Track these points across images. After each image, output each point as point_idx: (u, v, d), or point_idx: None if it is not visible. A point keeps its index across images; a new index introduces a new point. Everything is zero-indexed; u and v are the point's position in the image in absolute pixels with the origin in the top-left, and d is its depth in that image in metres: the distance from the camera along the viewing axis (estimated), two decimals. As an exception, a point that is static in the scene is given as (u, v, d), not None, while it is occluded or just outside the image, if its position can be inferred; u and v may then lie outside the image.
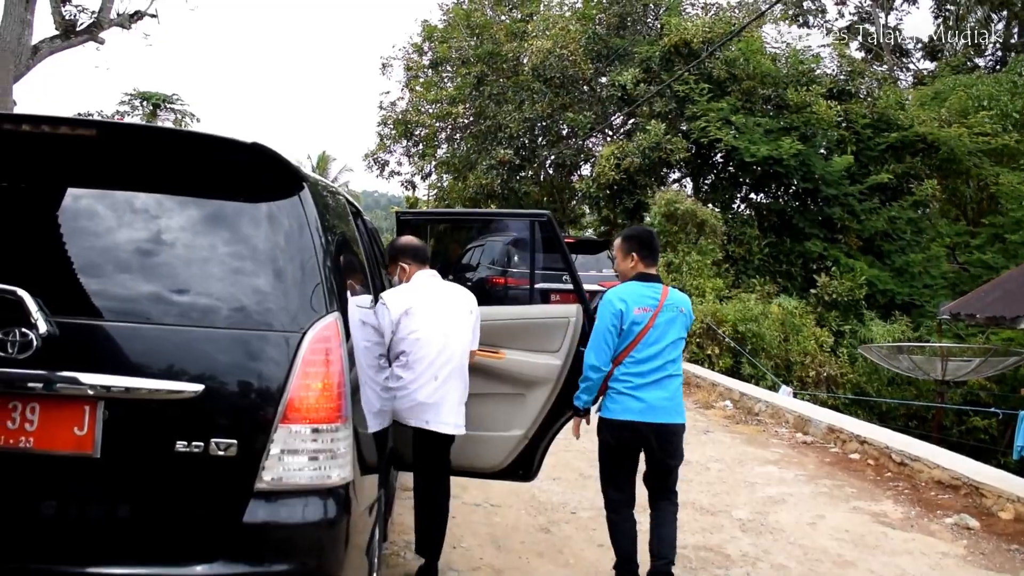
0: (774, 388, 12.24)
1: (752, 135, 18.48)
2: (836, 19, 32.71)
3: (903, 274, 18.86)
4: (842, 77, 21.45)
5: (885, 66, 27.97)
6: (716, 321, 14.24)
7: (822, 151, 19.91)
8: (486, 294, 10.91)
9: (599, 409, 4.15)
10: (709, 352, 13.99)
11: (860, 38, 31.29)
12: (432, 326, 3.87)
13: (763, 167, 18.74)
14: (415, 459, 4.10)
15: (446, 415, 3.91)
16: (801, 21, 31.50)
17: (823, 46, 24.74)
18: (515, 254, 11.99)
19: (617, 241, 4.33)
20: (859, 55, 27.92)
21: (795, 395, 11.91)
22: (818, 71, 21.13)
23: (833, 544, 5.40)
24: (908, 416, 15.77)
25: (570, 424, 4.36)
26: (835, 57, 22.70)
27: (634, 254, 4.19)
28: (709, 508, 6.06)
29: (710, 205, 18.78)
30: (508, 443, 4.36)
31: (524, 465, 4.45)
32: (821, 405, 11.17)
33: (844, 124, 20.10)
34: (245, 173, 2.55)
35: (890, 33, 31.91)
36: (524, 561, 4.84)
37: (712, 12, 21.81)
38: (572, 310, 4.37)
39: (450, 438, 4.05)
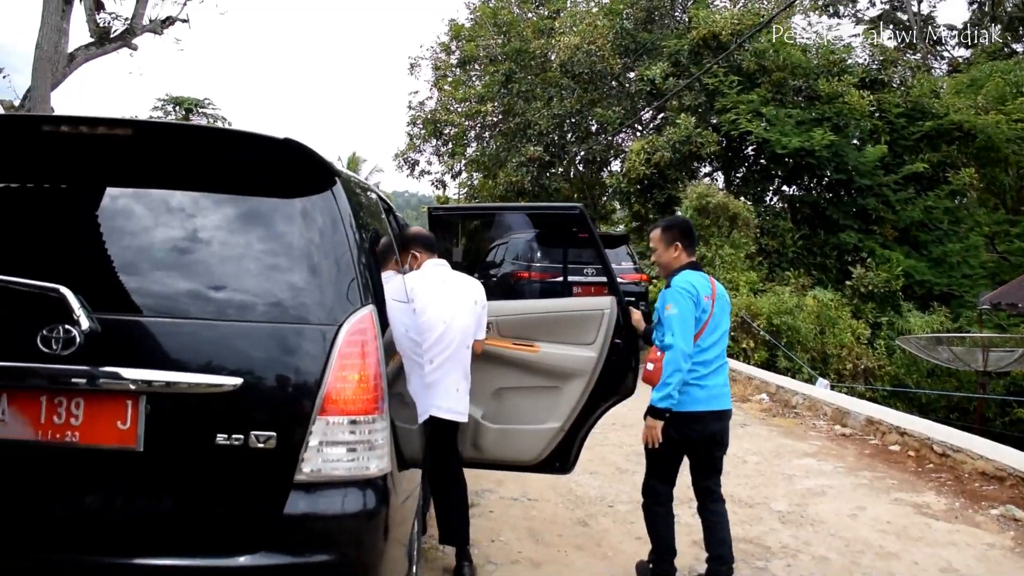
0: (810, 381, 12.11)
1: (783, 127, 18.32)
2: (867, 8, 32.36)
3: (941, 264, 18.60)
4: (874, 66, 21.21)
5: (918, 55, 27.56)
6: (751, 314, 14.11)
7: (855, 141, 19.69)
8: (512, 289, 11.06)
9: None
10: (744, 346, 13.88)
11: (892, 27, 30.87)
12: (431, 312, 3.90)
13: (795, 159, 18.57)
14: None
15: (440, 399, 3.90)
16: (831, 11, 31.13)
17: (854, 36, 24.49)
18: (538, 250, 12.15)
19: (656, 232, 4.26)
20: (891, 44, 27.52)
21: (832, 388, 11.77)
22: (850, 61, 20.89)
23: (875, 536, 5.32)
24: (949, 408, 15.51)
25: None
26: (867, 46, 22.44)
27: (678, 243, 4.13)
28: (747, 500, 6.02)
29: (742, 198, 18.64)
30: (545, 436, 4.35)
31: (561, 458, 4.43)
32: (859, 398, 11.03)
33: (877, 114, 19.87)
34: (278, 170, 2.58)
35: (923, 21, 31.46)
36: (562, 554, 4.83)
37: (740, 4, 21.65)
38: (606, 302, 4.33)
39: (452, 425, 4.06)
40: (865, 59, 21.66)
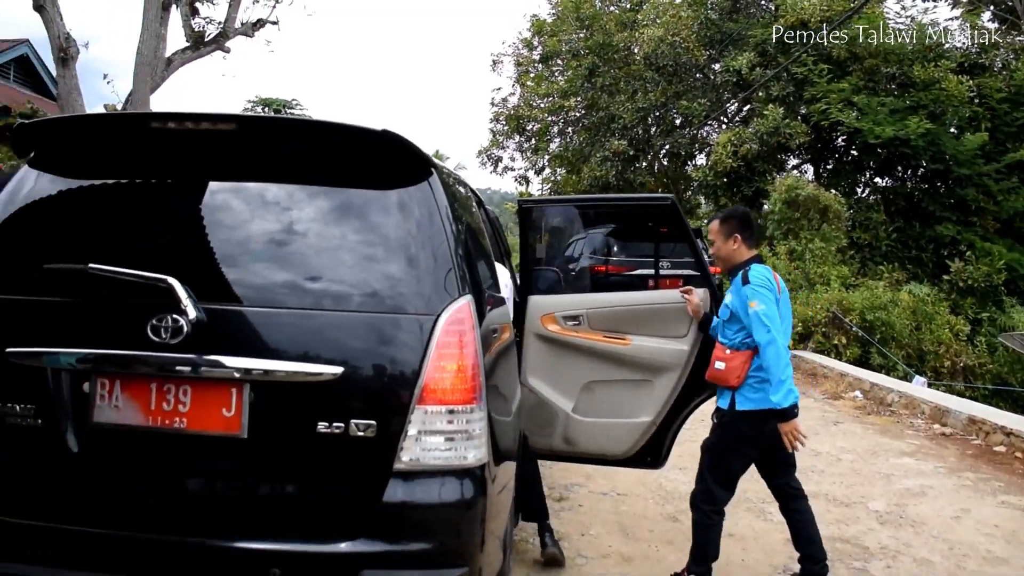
0: (906, 378, 11.78)
1: (876, 116, 17.77)
2: (966, -12, 30.95)
3: (1047, 258, 17.74)
4: (974, 50, 20.40)
5: (1023, 36, 26.25)
6: (842, 310, 13.77)
7: (953, 130, 18.98)
8: (590, 281, 11.34)
9: (731, 403, 3.92)
10: (836, 342, 13.55)
11: (993, 7, 29.48)
12: None
13: (888, 149, 18.02)
14: None
15: None
16: (927, -7, 29.98)
17: (951, 19, 23.46)
18: (614, 244, 12.25)
19: (714, 224, 4.11)
20: (992, 26, 26.30)
21: (929, 386, 11.41)
22: (947, 45, 20.11)
23: (981, 539, 5.16)
24: (1057, 409, 14.84)
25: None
26: (965, 29, 21.51)
27: (737, 235, 4.01)
28: (843, 499, 5.91)
29: (832, 190, 18.16)
30: (636, 430, 4.38)
31: (652, 452, 4.46)
32: (958, 396, 10.66)
33: (977, 100, 19.13)
34: (376, 161, 2.64)
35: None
36: (653, 549, 4.84)
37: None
38: (699, 294, 4.32)
39: None
40: (964, 43, 20.81)
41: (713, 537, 4.03)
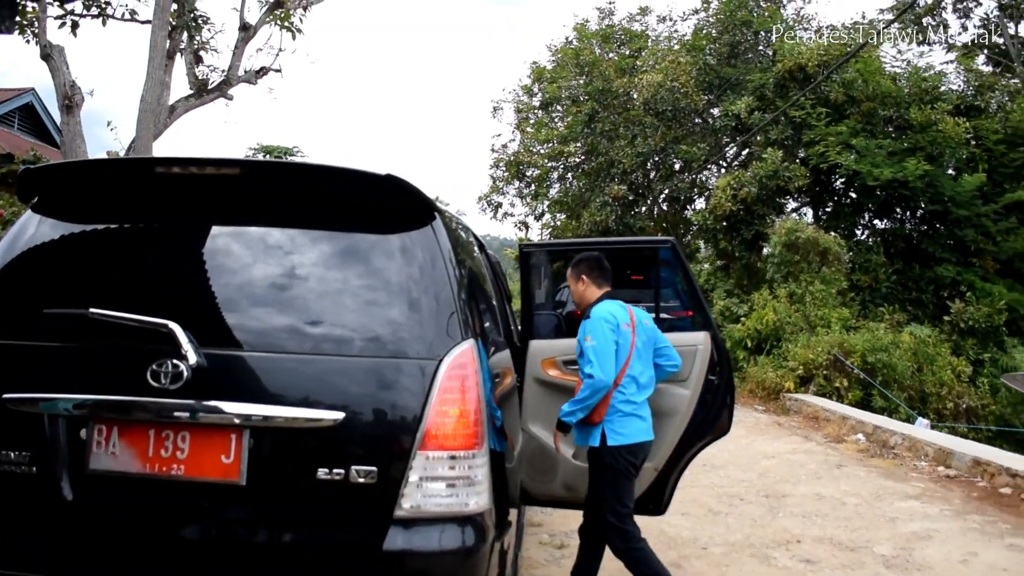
0: (909, 421, 11.72)
1: (874, 158, 17.93)
2: (959, 33, 31.34)
3: (1048, 297, 17.75)
4: (970, 92, 20.65)
5: (1017, 79, 26.57)
6: (843, 352, 13.77)
7: (951, 171, 19.15)
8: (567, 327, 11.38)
9: (601, 439, 4.03)
10: (837, 384, 13.55)
11: (987, 51, 29.92)
12: None
13: (887, 191, 18.16)
14: None
15: None
16: (921, 38, 30.37)
17: (947, 62, 23.81)
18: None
19: (568, 271, 4.36)
20: (987, 69, 26.65)
21: (932, 427, 11.36)
22: (942, 88, 20.35)
23: None
24: (1062, 450, 14.74)
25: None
26: (961, 72, 21.80)
27: (583, 276, 4.24)
28: (848, 544, 5.88)
29: (832, 233, 18.25)
30: (642, 475, 4.31)
31: (654, 498, 4.43)
32: (962, 438, 10.61)
33: (974, 141, 19.30)
34: (380, 205, 2.64)
35: (1021, 44, 30.40)
36: (655, 597, 4.79)
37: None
38: (700, 337, 4.34)
39: None
40: (960, 85, 21.06)
41: (652, 561, 4.06)
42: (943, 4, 30.41)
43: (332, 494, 2.33)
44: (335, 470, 2.32)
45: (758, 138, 20.00)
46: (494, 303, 3.86)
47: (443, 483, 2.37)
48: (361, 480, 2.32)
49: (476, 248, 3.80)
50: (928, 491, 7.55)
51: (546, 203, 25.63)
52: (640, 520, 5.48)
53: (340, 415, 2.33)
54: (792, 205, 20.72)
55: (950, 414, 13.95)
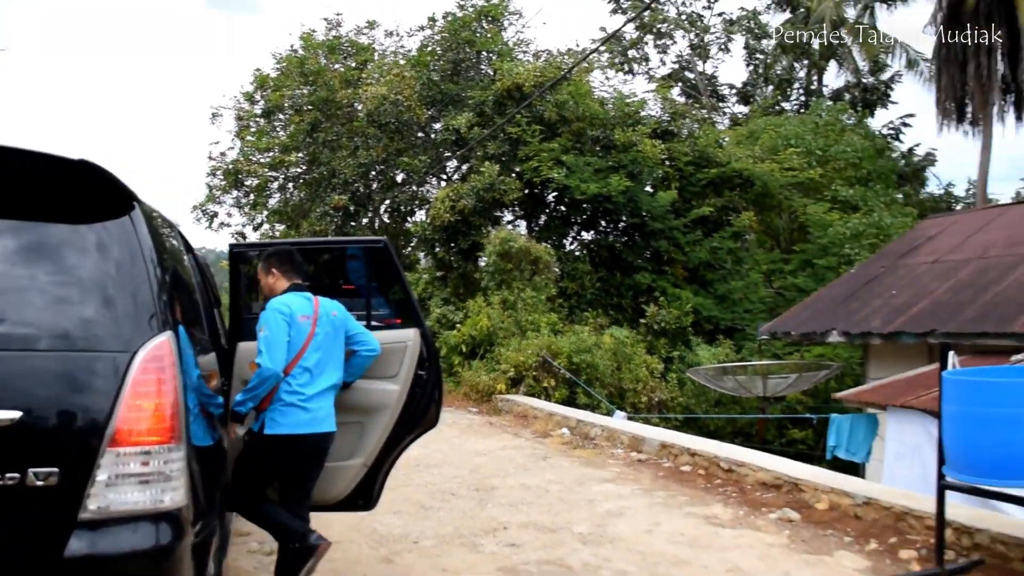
0: (609, 414, 12.54)
1: (582, 174, 19.09)
2: (659, 67, 34.72)
3: (725, 300, 19.93)
4: (665, 118, 22.52)
5: (704, 109, 29.77)
6: (551, 354, 14.46)
7: (648, 188, 20.76)
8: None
9: (260, 426, 4.01)
10: (545, 384, 14.18)
11: (680, 84, 33.37)
12: None
13: (593, 204, 19.37)
14: None
15: None
16: (627, 68, 33.21)
17: (648, 91, 26.08)
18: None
19: (259, 266, 4.37)
20: (680, 99, 29.65)
21: (629, 419, 12.26)
22: (643, 113, 22.14)
23: (670, 547, 5.62)
24: (735, 433, 16.50)
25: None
26: (659, 100, 23.90)
27: (274, 270, 4.26)
28: (550, 526, 6.18)
29: (544, 243, 19.20)
30: (348, 472, 4.28)
31: (364, 494, 4.37)
32: (653, 427, 11.55)
33: (668, 162, 21.05)
34: (74, 193, 2.43)
35: (707, 79, 34.26)
36: (367, 593, 4.74)
37: (543, 58, 22.60)
38: (409, 334, 4.35)
39: None
40: (657, 112, 23.03)
41: (274, 514, 4.06)
42: (645, 40, 33.56)
43: (6, 500, 2.12)
44: (8, 474, 2.12)
45: (477, 152, 20.64)
46: (197, 300, 3.72)
47: (136, 480, 2.23)
48: (40, 483, 2.13)
49: (180, 244, 3.61)
50: (622, 474, 8.11)
51: (265, 213, 24.81)
52: (351, 520, 5.47)
53: (16, 414, 2.13)
54: (508, 217, 21.53)
55: (645, 407, 15.14)
